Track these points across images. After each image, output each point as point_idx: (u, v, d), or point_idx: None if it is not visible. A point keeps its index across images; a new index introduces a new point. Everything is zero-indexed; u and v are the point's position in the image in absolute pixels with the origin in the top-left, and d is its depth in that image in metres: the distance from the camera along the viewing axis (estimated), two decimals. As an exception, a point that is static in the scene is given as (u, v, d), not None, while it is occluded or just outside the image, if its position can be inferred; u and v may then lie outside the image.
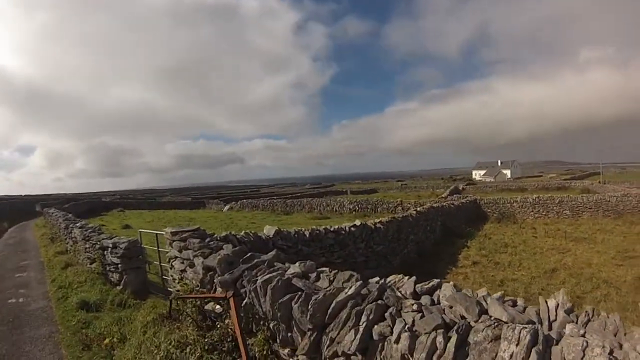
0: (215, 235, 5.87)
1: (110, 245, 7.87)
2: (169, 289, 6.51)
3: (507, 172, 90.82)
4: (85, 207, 36.84)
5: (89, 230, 10.16)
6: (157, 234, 7.44)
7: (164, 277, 7.31)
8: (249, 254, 4.45)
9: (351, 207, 31.57)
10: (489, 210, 22.84)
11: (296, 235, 7.24)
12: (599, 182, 47.14)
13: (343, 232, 8.32)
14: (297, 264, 3.94)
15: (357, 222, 8.93)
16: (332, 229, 8.14)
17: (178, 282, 5.44)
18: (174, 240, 5.70)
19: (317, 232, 7.70)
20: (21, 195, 55.81)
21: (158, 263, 7.61)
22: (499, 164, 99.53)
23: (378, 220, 9.97)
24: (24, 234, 20.35)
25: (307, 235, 7.46)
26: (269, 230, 6.98)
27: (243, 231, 6.74)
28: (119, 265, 7.52)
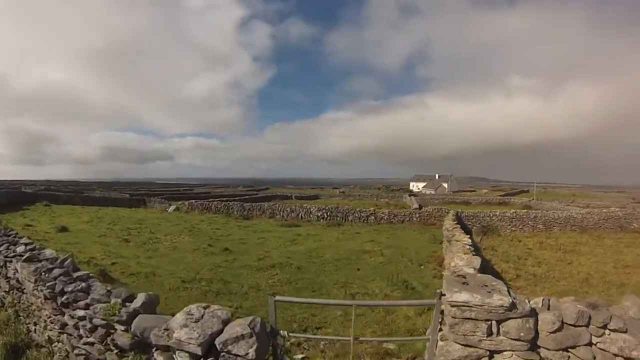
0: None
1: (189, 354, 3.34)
2: None
3: (445, 186, 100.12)
4: (4, 198, 31.40)
5: (66, 279, 5.17)
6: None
7: None
8: None
9: (319, 214, 32.15)
10: (469, 223, 25.30)
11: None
12: (533, 200, 54.78)
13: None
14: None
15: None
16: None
17: None
18: None
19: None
20: None
21: None
22: (437, 177, 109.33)
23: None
24: None
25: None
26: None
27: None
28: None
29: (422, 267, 14.21)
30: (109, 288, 4.90)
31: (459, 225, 14.64)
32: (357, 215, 31.08)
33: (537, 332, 3.41)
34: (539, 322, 3.43)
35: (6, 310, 6.54)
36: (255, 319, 3.59)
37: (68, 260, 5.89)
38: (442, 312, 3.83)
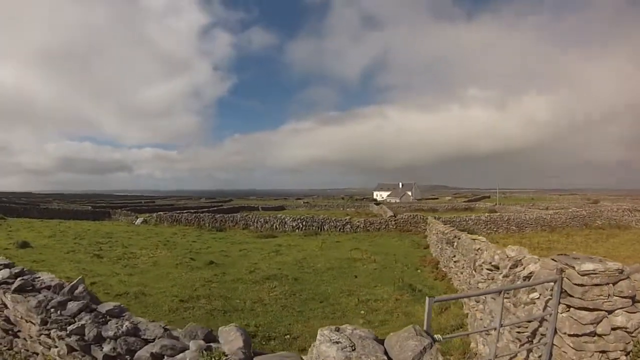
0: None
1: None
2: None
3: (410, 194, 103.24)
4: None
5: (92, 316, 3.79)
6: None
7: None
8: None
9: (294, 224, 32.22)
10: (447, 228, 26.41)
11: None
12: (496, 204, 57.99)
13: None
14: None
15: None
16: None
17: None
18: None
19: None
20: None
21: None
22: (400, 185, 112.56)
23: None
24: None
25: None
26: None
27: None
28: None
29: (419, 270, 14.68)
30: (161, 324, 3.70)
31: (455, 228, 15.31)
32: (333, 224, 31.43)
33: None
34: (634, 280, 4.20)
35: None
36: (415, 326, 3.10)
37: (80, 288, 4.31)
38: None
